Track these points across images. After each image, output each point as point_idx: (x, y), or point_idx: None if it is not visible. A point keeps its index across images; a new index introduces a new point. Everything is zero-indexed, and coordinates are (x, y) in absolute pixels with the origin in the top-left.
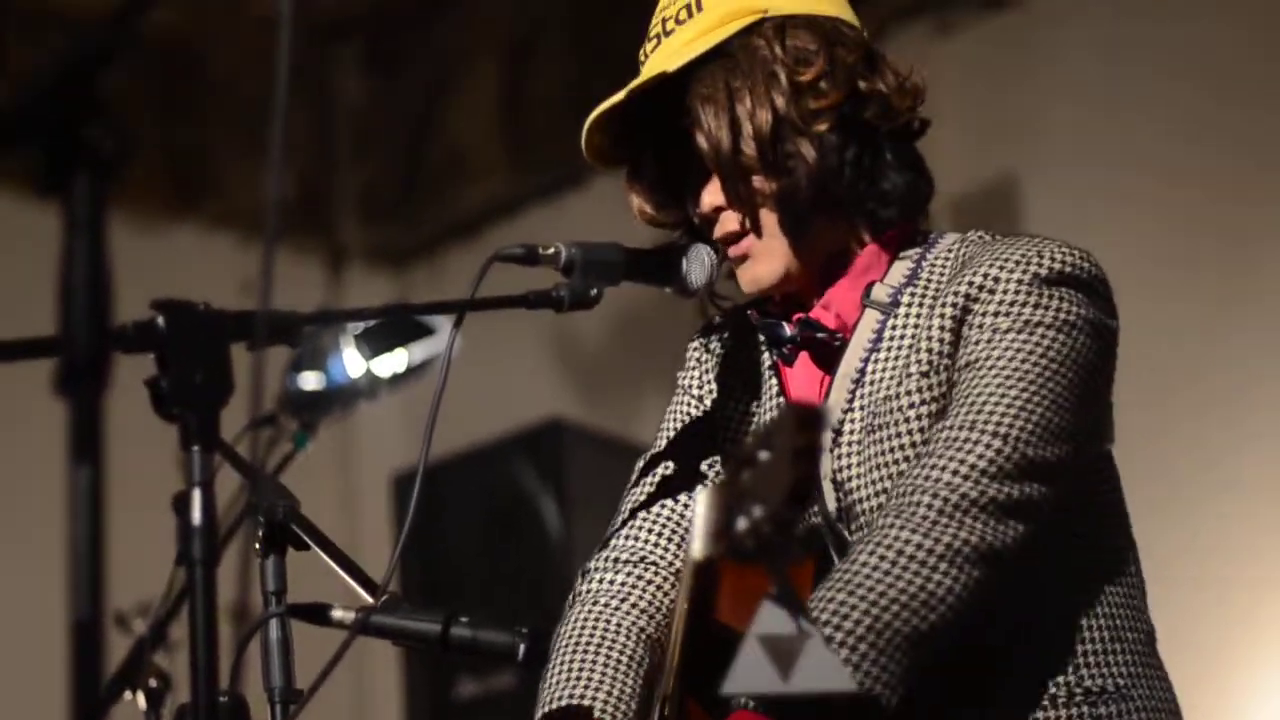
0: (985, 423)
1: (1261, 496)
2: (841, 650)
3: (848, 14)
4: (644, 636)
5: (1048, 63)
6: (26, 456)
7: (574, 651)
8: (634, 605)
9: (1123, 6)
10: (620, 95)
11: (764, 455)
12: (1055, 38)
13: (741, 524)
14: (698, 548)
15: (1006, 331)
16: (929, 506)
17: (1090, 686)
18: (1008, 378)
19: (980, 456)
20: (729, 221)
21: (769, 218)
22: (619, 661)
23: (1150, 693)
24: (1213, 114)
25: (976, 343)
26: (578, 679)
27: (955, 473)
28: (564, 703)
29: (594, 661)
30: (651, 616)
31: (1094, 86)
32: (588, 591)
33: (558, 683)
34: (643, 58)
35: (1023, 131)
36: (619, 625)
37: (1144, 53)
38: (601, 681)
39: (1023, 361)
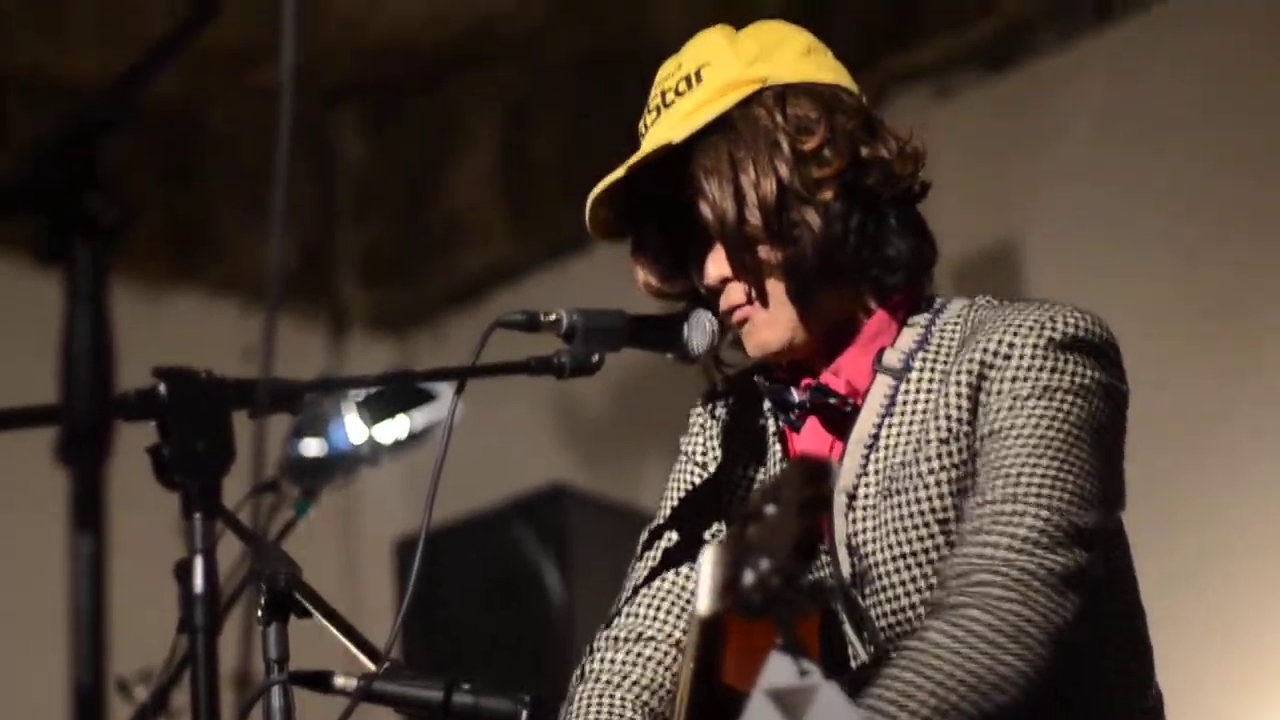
0: (1025, 495)
1: (1267, 557)
2: None
3: (846, 80)
4: (648, 710)
5: (1048, 127)
6: (28, 524)
7: None
8: (635, 683)
9: (1124, 73)
10: (622, 170)
11: (770, 510)
12: (1056, 102)
13: (748, 578)
14: (704, 604)
15: (1028, 398)
16: (992, 584)
17: None
18: (1035, 446)
19: (1030, 529)
20: (735, 292)
21: (775, 287)
22: None
23: None
24: (1214, 181)
25: (998, 410)
26: None
27: (1009, 548)
28: None
29: None
30: (654, 692)
31: (1095, 152)
32: (590, 671)
33: None
34: (642, 129)
35: (1023, 196)
36: (623, 700)
37: (1145, 120)
38: None
39: (1047, 429)
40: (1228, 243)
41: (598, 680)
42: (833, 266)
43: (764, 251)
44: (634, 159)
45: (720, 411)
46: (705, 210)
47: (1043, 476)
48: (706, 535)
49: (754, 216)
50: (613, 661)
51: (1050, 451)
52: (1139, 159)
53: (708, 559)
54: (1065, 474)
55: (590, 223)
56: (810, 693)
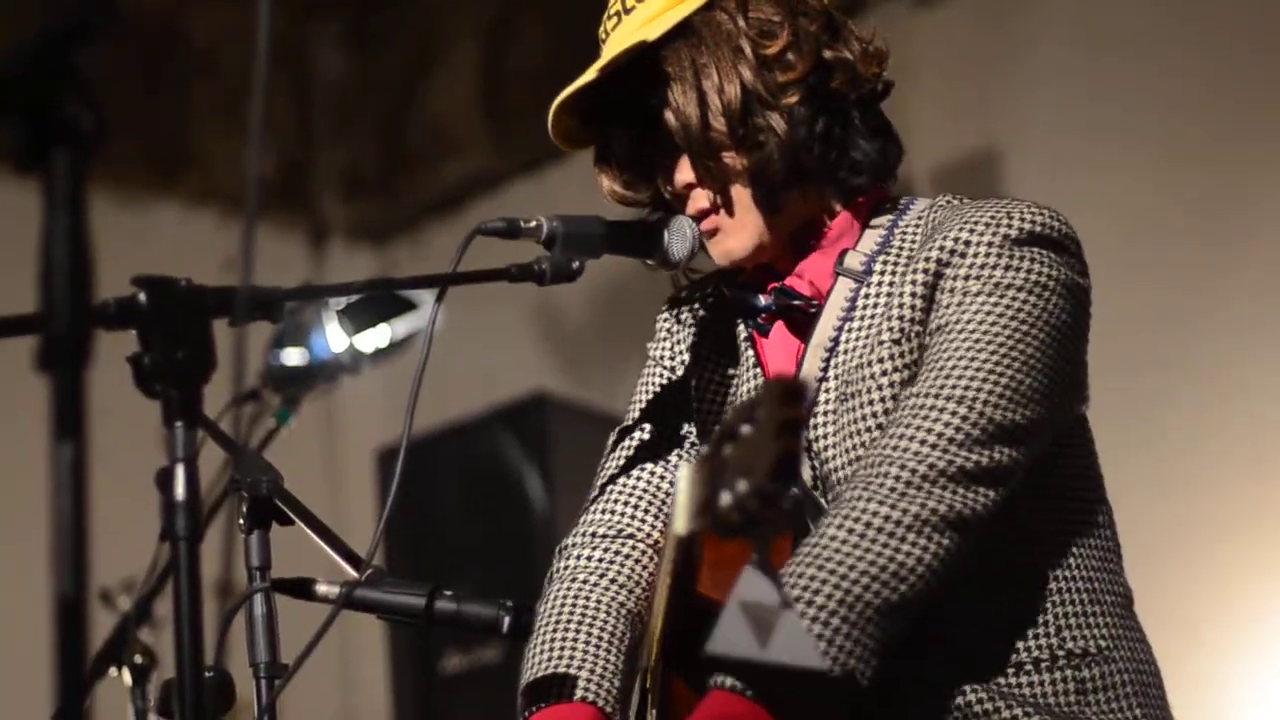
0: (952, 389)
1: (1249, 451)
2: (814, 626)
3: None
4: (624, 612)
5: (1028, 33)
6: (8, 434)
7: (554, 630)
8: (612, 581)
9: None
10: (584, 78)
11: (746, 430)
12: (1036, 8)
13: (725, 499)
14: (681, 523)
15: (977, 295)
16: (896, 478)
17: (1073, 649)
18: (976, 341)
19: (947, 425)
20: (700, 199)
21: (741, 193)
22: (599, 638)
23: (1132, 654)
24: (1193, 83)
25: (947, 306)
26: (559, 657)
27: (923, 442)
28: (548, 671)
29: (575, 639)
30: (631, 591)
31: (1075, 57)
32: (566, 569)
33: (539, 662)
34: (603, 35)
35: (1004, 103)
36: (598, 602)
37: (1125, 23)
38: (584, 660)
39: (993, 324)
40: (1208, 143)
41: (574, 579)
42: (798, 171)
43: (729, 158)
44: (596, 66)
45: (687, 316)
46: (669, 117)
47: (975, 371)
48: (680, 434)
49: (718, 123)
50: (589, 559)
51: (990, 347)
52: (1118, 67)
53: (684, 478)
54: (1003, 369)
55: (554, 132)
56: (778, 613)
